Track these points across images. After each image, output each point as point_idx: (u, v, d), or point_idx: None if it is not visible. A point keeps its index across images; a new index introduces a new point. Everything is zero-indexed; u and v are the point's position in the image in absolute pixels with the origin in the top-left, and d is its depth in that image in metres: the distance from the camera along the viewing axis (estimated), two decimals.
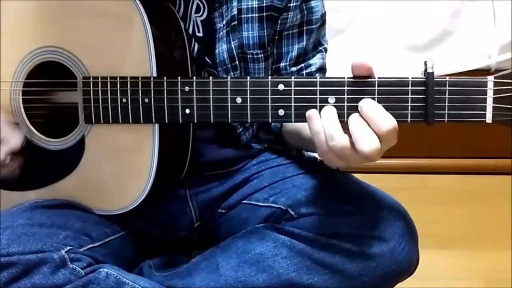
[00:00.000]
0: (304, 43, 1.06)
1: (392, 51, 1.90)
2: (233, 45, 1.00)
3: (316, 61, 1.09)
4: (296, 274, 0.91)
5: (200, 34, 1.01)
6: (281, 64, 1.07)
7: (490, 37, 1.89)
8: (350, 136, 0.79)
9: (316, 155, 1.12)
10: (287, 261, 0.92)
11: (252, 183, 1.07)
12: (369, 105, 0.80)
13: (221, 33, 1.01)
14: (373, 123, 0.79)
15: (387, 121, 0.79)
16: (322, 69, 1.10)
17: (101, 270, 0.89)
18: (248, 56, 1.02)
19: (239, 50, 1.01)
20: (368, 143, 0.77)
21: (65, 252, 0.87)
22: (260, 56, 1.02)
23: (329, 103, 0.83)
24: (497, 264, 1.66)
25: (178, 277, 1.00)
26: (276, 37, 1.04)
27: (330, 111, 0.81)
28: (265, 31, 1.01)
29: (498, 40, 1.88)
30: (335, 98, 0.83)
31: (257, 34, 1.01)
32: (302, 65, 1.08)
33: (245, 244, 0.97)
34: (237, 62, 1.01)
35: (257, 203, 1.05)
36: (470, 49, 1.90)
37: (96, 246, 0.94)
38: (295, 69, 1.08)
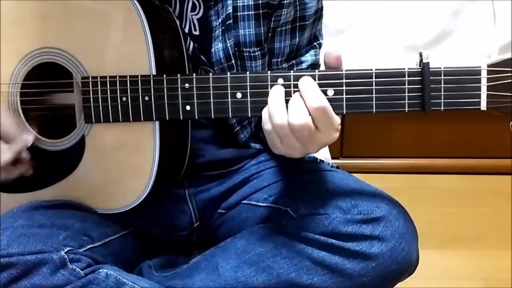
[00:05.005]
0: (297, 39, 1.06)
1: (392, 51, 1.90)
2: (228, 44, 1.00)
3: (308, 58, 1.08)
4: (295, 274, 0.91)
5: (197, 32, 1.01)
6: (273, 60, 1.06)
7: (490, 37, 1.89)
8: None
9: (316, 155, 1.12)
10: (287, 261, 0.92)
11: (252, 183, 1.07)
12: (303, 81, 0.84)
13: (217, 31, 1.00)
14: (304, 97, 0.82)
15: (317, 98, 0.82)
16: (314, 65, 1.09)
17: (100, 270, 0.89)
18: (245, 54, 1.01)
19: (236, 49, 1.01)
20: (298, 116, 0.81)
21: (65, 252, 0.86)
22: (257, 53, 1.02)
23: (328, 95, 0.84)
24: (497, 264, 1.66)
25: (177, 277, 1.00)
26: (270, 34, 1.03)
27: (277, 90, 0.84)
28: (262, 28, 1.00)
29: (498, 40, 1.88)
30: (334, 90, 0.84)
31: (254, 32, 1.00)
32: (294, 61, 1.08)
33: (245, 244, 0.97)
34: (233, 61, 1.01)
35: (257, 203, 1.05)
36: (470, 49, 1.90)
37: (96, 247, 0.94)
38: (286, 66, 1.07)
